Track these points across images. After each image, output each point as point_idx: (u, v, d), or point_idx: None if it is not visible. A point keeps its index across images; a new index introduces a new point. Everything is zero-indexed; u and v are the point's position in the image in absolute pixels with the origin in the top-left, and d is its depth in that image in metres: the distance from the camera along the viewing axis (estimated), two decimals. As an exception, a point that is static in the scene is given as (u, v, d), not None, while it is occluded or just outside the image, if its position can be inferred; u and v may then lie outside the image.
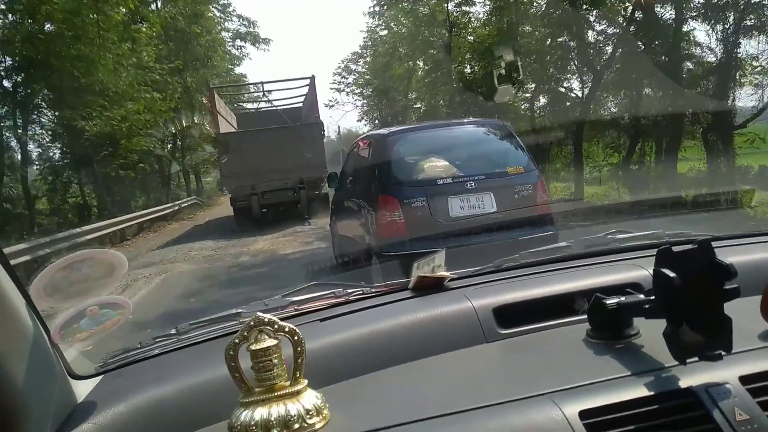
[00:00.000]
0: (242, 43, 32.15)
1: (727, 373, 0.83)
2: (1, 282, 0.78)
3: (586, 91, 15.52)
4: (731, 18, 11.84)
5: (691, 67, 13.11)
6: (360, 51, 37.21)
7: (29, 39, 13.45)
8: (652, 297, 0.91)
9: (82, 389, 0.99)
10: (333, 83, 38.69)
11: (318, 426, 0.85)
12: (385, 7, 26.24)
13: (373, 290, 1.35)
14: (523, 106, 18.94)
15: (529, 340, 1.09)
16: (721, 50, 12.22)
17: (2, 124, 14.95)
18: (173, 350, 1.19)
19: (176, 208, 20.33)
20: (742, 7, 11.72)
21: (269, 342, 0.88)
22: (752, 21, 11.79)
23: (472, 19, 19.96)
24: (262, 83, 22.85)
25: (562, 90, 17.32)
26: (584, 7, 13.53)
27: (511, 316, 1.12)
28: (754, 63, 12.34)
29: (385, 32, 31.42)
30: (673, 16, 12.85)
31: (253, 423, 0.84)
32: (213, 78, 25.26)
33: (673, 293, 0.82)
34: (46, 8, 13.19)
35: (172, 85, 20.26)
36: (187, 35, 22.95)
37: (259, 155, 13.63)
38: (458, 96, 19.83)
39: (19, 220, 14.28)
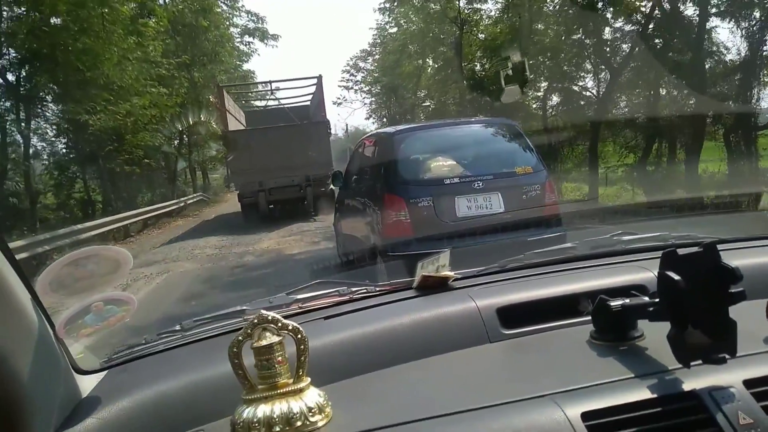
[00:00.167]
0: (250, 39, 32.09)
1: (731, 376, 0.82)
2: (7, 278, 0.78)
3: (602, 89, 15.23)
4: (756, 15, 11.53)
5: (712, 65, 12.73)
6: (369, 48, 37.21)
7: (34, 32, 13.32)
8: (657, 300, 0.90)
9: (86, 384, 1.00)
10: (341, 80, 38.84)
11: (320, 424, 0.86)
12: (396, 3, 26.05)
13: (377, 289, 1.35)
14: (534, 105, 18.74)
15: (532, 340, 1.09)
16: (746, 48, 11.89)
17: (6, 118, 14.88)
18: (177, 346, 1.20)
19: (182, 204, 20.38)
20: (768, 4, 11.40)
21: (273, 340, 0.88)
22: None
23: (484, 17, 19.86)
24: (270, 82, 23.37)
25: (576, 89, 17.03)
26: (600, 4, 13.24)
27: (514, 316, 1.12)
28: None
29: (395, 29, 31.37)
30: (696, 13, 12.47)
31: (255, 420, 0.85)
32: (221, 74, 25.35)
33: (677, 296, 0.82)
34: (52, 0, 13.07)
35: (178, 80, 20.22)
36: (195, 30, 22.88)
37: (267, 152, 13.88)
38: (468, 94, 19.67)
39: (21, 216, 14.15)
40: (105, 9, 14.18)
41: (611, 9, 13.48)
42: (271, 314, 0.89)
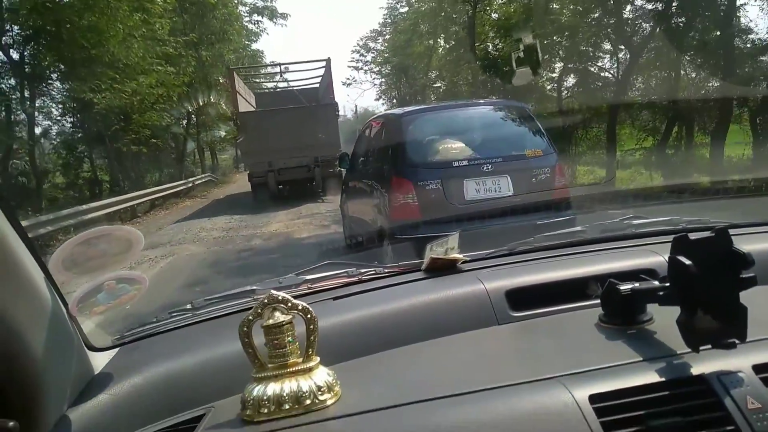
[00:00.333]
0: (259, 18, 31.65)
1: (740, 361, 0.82)
2: (21, 256, 0.79)
3: (621, 70, 14.71)
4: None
5: (741, 44, 12.08)
6: (379, 28, 36.82)
7: (37, 8, 13.03)
8: (667, 284, 0.90)
9: (99, 361, 1.01)
10: (351, 61, 38.54)
11: (329, 402, 0.87)
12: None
13: (386, 270, 1.36)
14: (548, 87, 18.31)
15: (541, 323, 1.09)
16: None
17: (11, 96, 14.70)
18: (188, 325, 1.21)
19: (190, 185, 20.39)
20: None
21: (283, 319, 0.89)
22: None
23: (498, -5, 19.48)
24: (280, 65, 23.58)
25: (594, 70, 16.51)
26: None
27: (523, 299, 1.12)
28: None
29: (405, 9, 30.98)
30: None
31: (265, 398, 0.86)
32: (229, 53, 25.14)
33: (688, 280, 0.82)
34: (55, -24, 12.84)
35: (186, 59, 19.86)
36: (203, 8, 22.46)
37: (277, 134, 14.14)
38: (481, 75, 19.30)
39: (27, 196, 13.96)
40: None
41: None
42: (282, 294, 0.90)
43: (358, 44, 38.74)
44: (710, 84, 12.53)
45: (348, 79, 44.38)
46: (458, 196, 4.67)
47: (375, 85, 39.66)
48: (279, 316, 0.89)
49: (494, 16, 18.74)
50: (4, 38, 13.95)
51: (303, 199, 13.85)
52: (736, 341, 0.80)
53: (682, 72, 13.58)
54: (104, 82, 14.51)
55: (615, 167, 13.27)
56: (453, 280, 1.22)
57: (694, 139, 12.91)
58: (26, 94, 14.89)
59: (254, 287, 1.29)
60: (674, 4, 12.54)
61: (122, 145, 17.34)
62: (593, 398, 0.78)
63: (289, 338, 0.89)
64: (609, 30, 14.77)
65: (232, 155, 39.00)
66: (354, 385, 0.91)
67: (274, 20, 31.74)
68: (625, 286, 0.95)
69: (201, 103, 22.53)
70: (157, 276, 6.92)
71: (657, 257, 1.18)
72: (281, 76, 21.34)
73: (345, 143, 15.29)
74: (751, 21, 12.04)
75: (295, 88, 19.90)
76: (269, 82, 24.54)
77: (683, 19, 12.39)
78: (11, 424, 0.73)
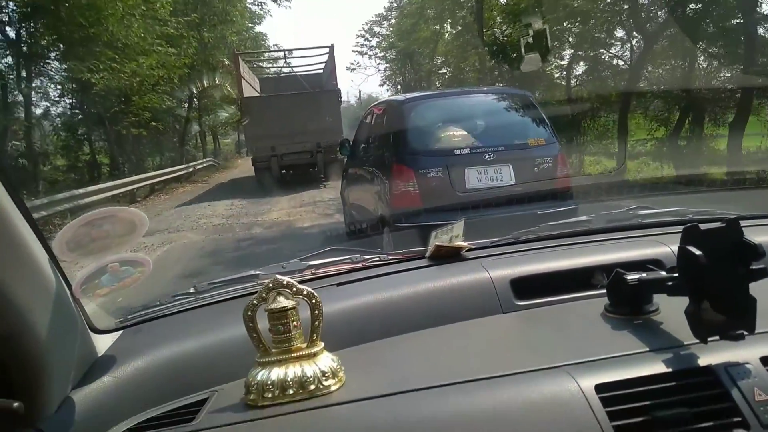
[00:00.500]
0: (263, 0, 31.43)
1: (748, 353, 0.82)
2: (25, 237, 0.78)
3: (634, 58, 14.25)
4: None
5: (765, 33, 11.64)
6: (385, 12, 36.33)
7: None
8: (676, 274, 0.89)
9: (102, 343, 1.01)
10: (356, 45, 38.02)
11: (333, 388, 0.87)
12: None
13: (390, 258, 1.35)
14: (557, 74, 17.96)
15: (545, 312, 1.08)
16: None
17: (8, 76, 14.46)
18: (192, 309, 1.21)
19: (191, 169, 20.30)
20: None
21: (287, 304, 0.89)
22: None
23: (507, -22, 19.13)
24: (284, 50, 23.42)
25: (605, 57, 16.06)
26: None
27: (528, 287, 1.12)
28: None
29: (412, -8, 30.56)
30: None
31: (269, 382, 0.86)
32: (231, 35, 24.86)
33: (697, 271, 0.81)
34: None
35: (187, 40, 19.45)
36: (205, -13, 22.37)
37: (280, 119, 14.25)
38: (488, 61, 18.97)
39: (23, 178, 13.49)
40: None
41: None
42: (286, 279, 0.90)
43: (363, 28, 38.38)
44: (728, 73, 12.13)
45: (352, 64, 43.91)
46: (459, 185, 4.65)
47: (379, 70, 39.42)
48: (283, 301, 0.89)
49: (503, 0, 18.46)
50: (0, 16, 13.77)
51: (305, 184, 13.92)
52: (745, 333, 0.80)
53: (698, 60, 13.14)
54: (103, 63, 14.26)
55: (624, 158, 13.02)
56: (457, 268, 1.21)
57: (704, 130, 12.53)
58: (23, 73, 14.64)
59: (258, 272, 1.29)
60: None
61: (122, 127, 17.14)
62: (599, 388, 0.78)
63: (294, 323, 0.89)
64: (623, 16, 14.31)
65: (234, 139, 38.82)
66: (358, 371, 0.91)
67: (278, 2, 31.42)
68: (633, 276, 0.95)
69: (203, 86, 22.38)
70: (153, 264, 6.66)
71: (663, 248, 1.17)
72: (285, 61, 21.41)
73: (348, 129, 15.29)
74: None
75: (298, 73, 19.91)
76: (273, 67, 24.48)
77: (700, 5, 11.92)
78: (16, 404, 0.73)
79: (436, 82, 30.14)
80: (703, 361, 0.82)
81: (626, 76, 14.59)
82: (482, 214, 4.14)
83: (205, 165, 23.52)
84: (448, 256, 1.28)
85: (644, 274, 0.95)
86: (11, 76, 14.59)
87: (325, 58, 18.53)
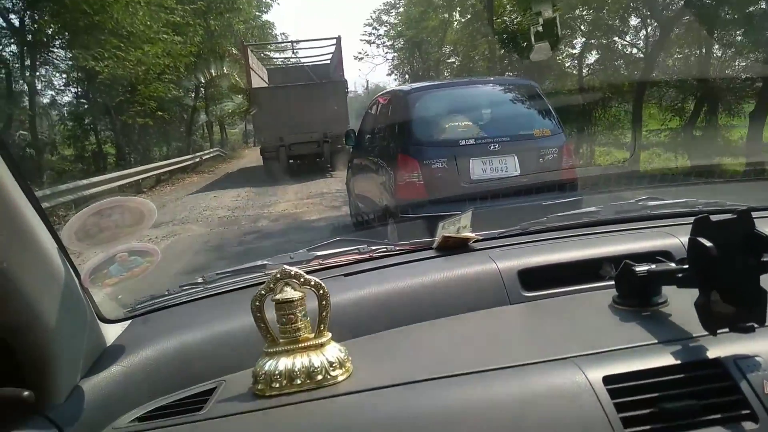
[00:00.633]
0: (271, -12, 30.99)
1: (757, 345, 0.81)
2: (34, 226, 0.78)
3: (649, 46, 13.91)
4: None
5: None
6: (393, 1, 35.87)
7: None
8: (686, 266, 0.89)
9: (111, 333, 1.01)
10: (363, 34, 37.50)
11: (341, 378, 0.87)
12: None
13: (398, 248, 1.35)
14: (568, 63, 17.55)
15: (553, 303, 1.08)
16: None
17: (12, 65, 14.31)
18: (200, 298, 1.21)
19: (197, 160, 20.22)
20: None
21: (295, 294, 0.89)
22: None
23: (518, -36, 18.76)
24: (292, 42, 23.71)
25: (619, 45, 15.63)
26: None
27: (536, 279, 1.12)
28: None
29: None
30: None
31: (277, 372, 0.86)
32: (239, 23, 24.71)
33: (708, 263, 0.80)
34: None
35: (193, 28, 19.26)
36: (211, -25, 22.09)
37: (288, 110, 14.53)
38: (499, 50, 18.61)
39: (30, 168, 13.36)
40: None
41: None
42: (294, 269, 0.90)
43: (371, 17, 37.82)
44: (748, 61, 11.72)
45: (360, 53, 43.61)
46: (464, 176, 4.64)
47: (387, 59, 38.82)
48: (291, 292, 0.89)
49: (514, -13, 18.09)
50: (3, 2, 13.58)
51: (312, 174, 14.13)
52: (755, 325, 0.79)
53: (715, 48, 12.73)
54: (108, 51, 14.13)
55: (634, 148, 12.75)
56: (465, 259, 1.21)
57: (719, 120, 12.25)
58: (26, 62, 14.50)
59: (266, 262, 1.29)
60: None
61: (128, 117, 17.03)
62: (607, 380, 0.77)
63: (301, 314, 0.89)
64: (638, 2, 13.94)
65: (241, 129, 38.65)
66: (365, 361, 0.91)
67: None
68: (641, 268, 0.94)
69: (209, 75, 22.29)
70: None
71: (672, 239, 1.16)
72: (293, 52, 21.57)
73: (355, 119, 15.30)
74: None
75: (306, 64, 19.97)
76: (280, 57, 24.46)
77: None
78: (26, 393, 0.74)
79: (444, 72, 29.80)
80: (712, 354, 0.81)
81: (641, 64, 14.21)
82: (487, 205, 4.13)
83: (211, 155, 23.42)
84: (455, 247, 1.27)
85: (653, 266, 0.95)
86: (16, 65, 14.48)
87: (332, 49, 18.63)
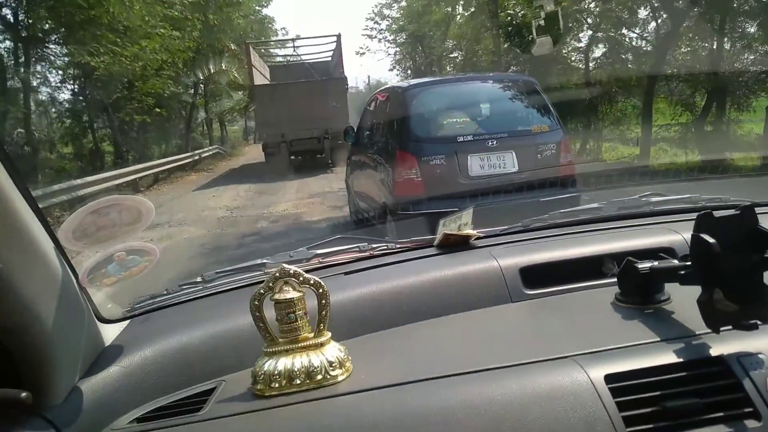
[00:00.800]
0: (271, -18, 30.61)
1: (761, 343, 0.81)
2: (31, 226, 0.78)
3: (659, 39, 13.45)
4: None
5: None
6: (396, -6, 35.61)
7: None
8: (688, 263, 0.88)
9: (109, 333, 1.00)
10: (365, 29, 37.40)
11: (340, 378, 0.86)
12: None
13: (398, 246, 1.34)
14: (574, 57, 17.11)
15: (555, 301, 1.07)
16: None
17: (7, 61, 14.03)
18: (199, 298, 1.20)
19: (196, 157, 20.07)
20: None
21: (294, 293, 0.88)
22: None
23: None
24: (293, 39, 23.81)
25: (627, 38, 15.17)
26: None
27: (537, 276, 1.11)
28: None
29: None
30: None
31: (276, 372, 0.85)
32: (238, 18, 24.49)
33: (711, 260, 0.80)
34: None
35: (191, 22, 18.90)
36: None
37: (290, 106, 14.74)
38: (503, 45, 18.38)
39: (26, 166, 13.00)
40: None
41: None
42: (293, 268, 0.89)
43: (372, 11, 37.51)
44: (761, 55, 11.46)
45: (361, 48, 43.32)
46: (462, 172, 4.63)
47: (389, 54, 38.41)
48: (290, 291, 0.89)
49: (518, -20, 17.88)
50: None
51: (313, 170, 14.39)
52: (758, 322, 0.79)
53: (727, 41, 12.42)
54: (104, 46, 13.83)
55: (638, 143, 12.63)
56: (466, 257, 1.20)
57: (728, 115, 12.05)
58: (21, 58, 14.27)
59: (265, 260, 1.28)
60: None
61: (125, 114, 16.86)
62: (609, 378, 0.77)
63: (301, 313, 0.89)
64: None
65: (241, 126, 38.49)
66: (366, 361, 0.91)
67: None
68: (644, 265, 0.94)
69: (208, 71, 22.18)
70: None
71: (675, 236, 1.16)
72: (295, 50, 21.72)
73: (356, 115, 15.32)
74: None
75: (307, 61, 20.03)
76: (281, 54, 24.46)
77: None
78: (24, 394, 0.73)
79: (447, 67, 29.61)
80: (715, 351, 0.81)
81: (650, 58, 13.89)
82: (485, 201, 4.12)
83: (211, 153, 23.20)
84: (456, 244, 1.27)
85: (656, 263, 0.94)
86: (11, 61, 14.28)
87: (332, 46, 18.81)
